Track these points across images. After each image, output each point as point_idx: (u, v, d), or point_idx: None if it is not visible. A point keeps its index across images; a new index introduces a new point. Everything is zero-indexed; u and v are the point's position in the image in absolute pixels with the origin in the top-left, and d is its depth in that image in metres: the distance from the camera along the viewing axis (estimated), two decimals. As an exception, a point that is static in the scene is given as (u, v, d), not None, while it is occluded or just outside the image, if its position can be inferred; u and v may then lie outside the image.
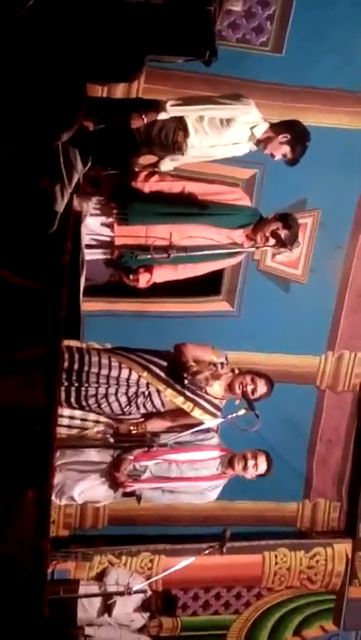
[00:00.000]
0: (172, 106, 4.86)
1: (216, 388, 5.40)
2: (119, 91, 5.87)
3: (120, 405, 5.27)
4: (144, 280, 5.07)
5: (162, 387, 5.25)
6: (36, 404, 4.34)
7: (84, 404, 5.25)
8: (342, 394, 7.62)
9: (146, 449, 5.36)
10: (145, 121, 4.81)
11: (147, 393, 5.27)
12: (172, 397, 5.26)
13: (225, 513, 7.01)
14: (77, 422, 5.34)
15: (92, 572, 6.84)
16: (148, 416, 5.45)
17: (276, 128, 5.07)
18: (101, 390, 5.20)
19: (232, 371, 5.50)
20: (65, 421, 5.31)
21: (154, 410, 5.36)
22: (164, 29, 4.41)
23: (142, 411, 5.37)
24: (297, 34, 6.34)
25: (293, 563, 7.63)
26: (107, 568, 6.84)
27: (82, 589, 6.45)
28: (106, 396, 5.22)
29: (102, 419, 5.38)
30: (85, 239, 4.84)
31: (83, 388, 5.19)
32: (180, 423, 5.46)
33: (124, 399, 5.26)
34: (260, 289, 7.04)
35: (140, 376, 5.23)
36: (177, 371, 5.28)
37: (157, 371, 5.27)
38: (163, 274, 5.09)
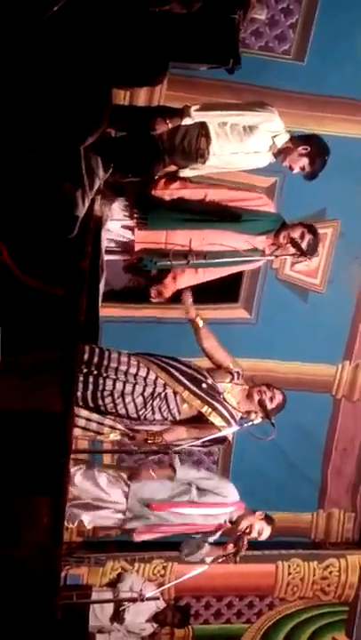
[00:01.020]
0: (196, 111, 4.85)
1: (230, 398, 5.39)
2: (142, 97, 5.89)
3: (136, 407, 5.23)
4: (168, 292, 5.08)
5: (180, 388, 5.23)
6: (52, 408, 4.34)
7: (100, 402, 5.22)
8: (358, 403, 7.60)
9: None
10: (169, 126, 4.80)
11: (163, 395, 5.24)
12: (189, 400, 5.24)
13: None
14: (94, 425, 5.33)
15: (104, 577, 6.83)
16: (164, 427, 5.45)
17: (296, 140, 5.05)
18: (118, 386, 5.18)
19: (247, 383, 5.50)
20: (82, 422, 5.31)
21: (169, 416, 5.32)
22: (189, 36, 4.42)
23: (157, 417, 5.32)
24: (319, 42, 6.34)
25: (307, 573, 7.60)
26: (121, 574, 6.83)
27: (94, 595, 6.44)
28: (122, 394, 5.19)
29: (118, 426, 5.37)
30: (105, 243, 4.85)
31: (100, 382, 5.17)
32: (196, 436, 5.45)
33: (140, 400, 5.23)
34: (278, 297, 7.03)
35: (157, 376, 5.22)
36: (196, 375, 5.28)
37: (175, 373, 5.25)
38: (185, 280, 5.09)
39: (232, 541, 5.44)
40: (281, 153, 5.06)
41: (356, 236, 7.05)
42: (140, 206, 4.98)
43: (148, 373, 5.23)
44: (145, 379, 5.22)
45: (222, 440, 5.46)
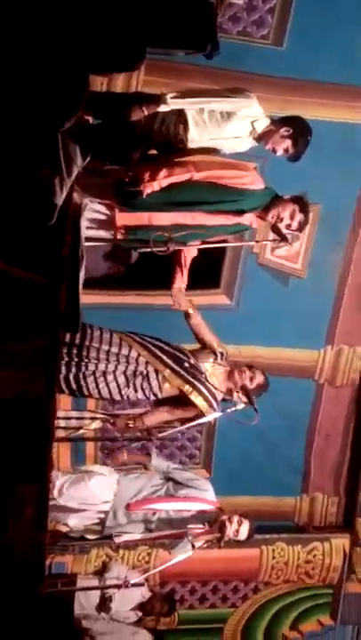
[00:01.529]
0: (173, 98, 4.83)
1: (212, 378, 5.40)
2: (119, 83, 5.85)
3: (118, 386, 5.24)
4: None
5: (161, 367, 5.24)
6: (36, 396, 4.33)
7: (82, 384, 5.23)
8: (341, 388, 7.63)
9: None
10: (145, 113, 4.77)
11: (145, 372, 5.26)
12: (171, 379, 5.25)
13: (224, 508, 7.01)
14: (73, 422, 5.36)
15: (89, 565, 6.84)
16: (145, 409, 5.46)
17: (278, 123, 5.03)
18: (101, 367, 5.19)
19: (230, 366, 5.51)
20: (61, 423, 5.33)
21: (151, 395, 5.34)
22: (166, 21, 4.39)
23: (140, 395, 5.34)
24: (298, 27, 6.31)
25: (291, 557, 7.64)
26: (106, 562, 6.84)
27: (79, 583, 6.44)
28: (104, 373, 5.20)
29: (98, 415, 5.38)
30: (85, 230, 4.82)
31: (83, 364, 5.18)
32: (178, 417, 5.46)
33: (122, 379, 5.24)
34: (259, 282, 7.03)
35: (139, 354, 5.23)
36: (178, 354, 5.29)
37: (157, 351, 5.27)
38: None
39: (216, 527, 5.47)
40: (263, 137, 5.04)
41: (336, 221, 7.05)
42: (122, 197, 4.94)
43: (129, 351, 5.24)
44: (127, 357, 5.23)
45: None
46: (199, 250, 5.19)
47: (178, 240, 4.91)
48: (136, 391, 5.29)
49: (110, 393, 5.25)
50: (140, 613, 6.59)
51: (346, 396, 7.66)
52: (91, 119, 4.85)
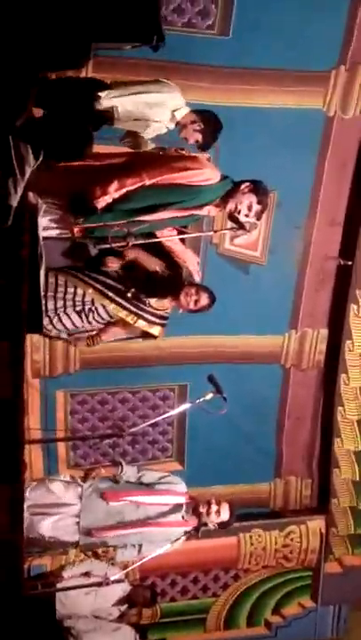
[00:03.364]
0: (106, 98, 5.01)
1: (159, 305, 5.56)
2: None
3: (72, 321, 5.47)
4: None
5: (105, 302, 5.45)
6: (2, 396, 4.33)
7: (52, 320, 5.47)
8: (307, 371, 7.68)
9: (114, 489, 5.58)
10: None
11: (94, 308, 5.49)
12: (115, 312, 5.48)
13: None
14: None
15: (69, 565, 6.81)
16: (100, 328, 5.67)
17: (194, 114, 5.27)
18: (50, 305, 5.35)
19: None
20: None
21: (104, 322, 5.56)
22: (110, 15, 4.39)
23: (95, 325, 5.56)
24: (242, 15, 6.31)
25: (268, 542, 7.69)
26: (83, 560, 6.83)
27: (60, 584, 6.42)
28: (56, 311, 5.39)
29: (62, 336, 5.62)
30: (42, 231, 4.82)
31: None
32: (130, 331, 5.67)
33: (75, 316, 5.46)
34: (220, 272, 7.03)
35: (84, 292, 5.36)
36: (120, 286, 5.46)
37: (100, 287, 5.44)
38: None
39: (196, 515, 5.52)
40: (179, 125, 5.27)
41: (293, 206, 7.09)
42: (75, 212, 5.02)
43: (75, 290, 5.37)
44: (73, 295, 5.40)
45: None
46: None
47: (135, 234, 4.96)
48: (90, 323, 5.53)
49: (69, 327, 5.51)
50: (122, 608, 6.59)
51: (313, 379, 7.72)
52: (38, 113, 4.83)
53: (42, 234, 4.82)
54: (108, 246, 5.01)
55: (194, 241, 6.74)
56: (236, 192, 5.13)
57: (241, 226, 5.18)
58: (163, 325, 5.67)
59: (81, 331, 5.60)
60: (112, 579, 5.65)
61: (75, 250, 5.26)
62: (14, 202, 4.12)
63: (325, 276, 7.42)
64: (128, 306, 5.51)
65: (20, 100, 4.25)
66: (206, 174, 5.08)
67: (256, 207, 5.12)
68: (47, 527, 5.52)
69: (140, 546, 5.61)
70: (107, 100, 5.02)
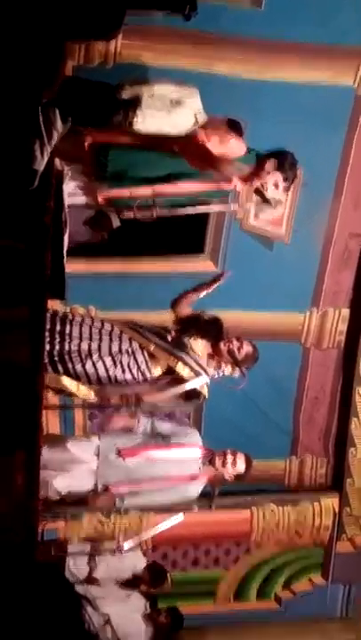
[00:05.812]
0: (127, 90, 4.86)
1: (200, 347, 5.43)
2: (98, 47, 5.77)
3: (105, 365, 5.24)
4: None
5: (145, 342, 5.26)
6: (22, 364, 4.35)
7: (68, 366, 5.23)
8: (327, 351, 7.65)
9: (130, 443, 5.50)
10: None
11: (130, 350, 5.28)
12: (156, 353, 5.28)
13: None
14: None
15: (82, 531, 6.86)
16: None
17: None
18: (84, 346, 5.19)
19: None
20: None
21: (140, 375, 5.35)
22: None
23: (127, 376, 5.35)
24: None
25: (282, 518, 7.71)
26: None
27: (71, 549, 6.47)
28: (90, 352, 5.19)
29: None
30: (67, 197, 4.82)
31: (66, 345, 5.18)
32: (172, 392, 5.48)
33: (108, 360, 5.23)
34: (243, 248, 7.01)
35: (122, 331, 5.25)
36: (160, 330, 5.31)
37: (139, 328, 5.29)
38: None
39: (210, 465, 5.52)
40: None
41: (320, 184, 7.03)
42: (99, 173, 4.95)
43: (112, 328, 5.26)
44: (110, 333, 5.24)
45: (197, 395, 5.50)
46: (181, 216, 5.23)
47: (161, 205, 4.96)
48: (124, 372, 5.30)
49: (98, 375, 5.27)
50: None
51: (332, 359, 7.69)
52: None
53: (67, 201, 4.83)
54: (131, 216, 5.00)
55: (218, 216, 6.73)
56: (261, 171, 5.11)
57: (267, 201, 5.17)
58: (199, 375, 5.40)
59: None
60: (125, 547, 5.69)
61: (98, 219, 5.25)
62: (41, 166, 4.12)
63: (349, 256, 7.38)
64: (169, 348, 5.37)
65: (49, 68, 4.24)
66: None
67: (283, 184, 5.10)
68: (63, 483, 5.52)
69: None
70: (129, 89, 4.88)
